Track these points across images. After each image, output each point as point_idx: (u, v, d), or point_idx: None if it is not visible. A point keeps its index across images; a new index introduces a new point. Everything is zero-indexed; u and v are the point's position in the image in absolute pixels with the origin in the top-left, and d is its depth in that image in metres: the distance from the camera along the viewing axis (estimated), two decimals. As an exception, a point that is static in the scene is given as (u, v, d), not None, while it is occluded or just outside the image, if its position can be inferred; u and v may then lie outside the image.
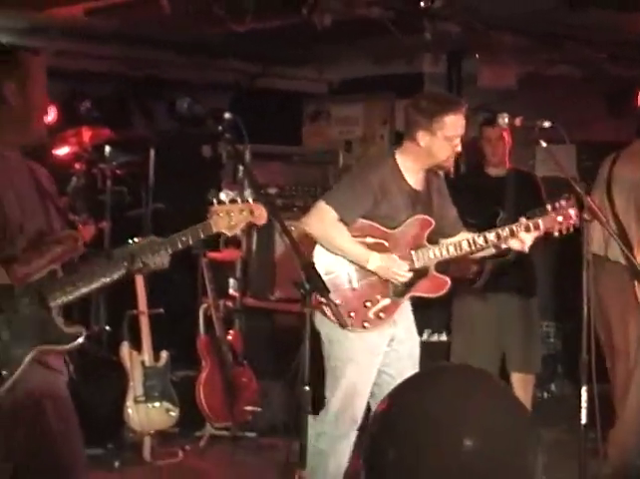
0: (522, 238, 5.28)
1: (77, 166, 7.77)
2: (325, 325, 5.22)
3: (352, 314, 5.14)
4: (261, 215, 4.09)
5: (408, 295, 5.34)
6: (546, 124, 5.05)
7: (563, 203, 5.37)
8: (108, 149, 8.14)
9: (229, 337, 7.58)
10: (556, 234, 5.43)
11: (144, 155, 8.63)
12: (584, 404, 4.88)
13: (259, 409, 7.57)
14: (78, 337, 3.84)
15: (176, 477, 6.81)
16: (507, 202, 7.45)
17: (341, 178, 5.69)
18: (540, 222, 5.34)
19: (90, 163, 7.93)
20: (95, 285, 3.87)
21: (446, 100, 5.38)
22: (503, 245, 5.35)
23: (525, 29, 8.09)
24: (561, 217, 5.34)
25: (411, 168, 5.29)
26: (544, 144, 5.08)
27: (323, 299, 3.94)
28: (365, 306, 5.19)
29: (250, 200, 4.06)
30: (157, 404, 7.00)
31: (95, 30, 8.20)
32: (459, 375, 1.93)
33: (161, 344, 7.25)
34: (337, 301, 5.04)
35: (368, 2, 6.93)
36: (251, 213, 4.03)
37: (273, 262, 7.96)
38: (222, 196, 4.05)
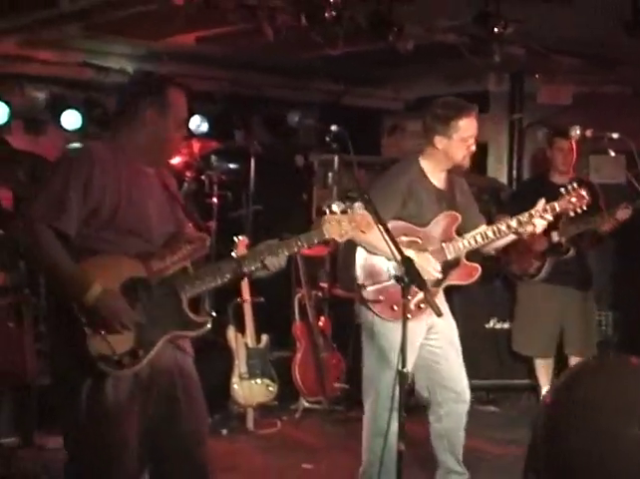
0: (536, 223, 5.11)
1: (188, 173, 7.80)
2: (367, 316, 5.15)
3: (395, 308, 4.98)
4: (369, 224, 4.08)
5: (443, 285, 5.19)
6: (615, 135, 4.96)
7: (575, 185, 5.24)
8: (214, 158, 8.18)
9: (320, 323, 7.58)
10: (572, 214, 5.29)
11: (245, 163, 8.64)
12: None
13: (347, 386, 7.56)
14: (205, 325, 3.90)
15: (276, 444, 6.80)
16: (570, 207, 7.37)
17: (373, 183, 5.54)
18: (556, 204, 5.18)
19: (199, 170, 7.97)
20: (220, 281, 3.90)
21: (458, 105, 5.17)
22: (521, 229, 5.14)
23: (582, 52, 7.98)
24: (575, 198, 5.20)
25: (433, 170, 5.14)
26: (613, 153, 4.99)
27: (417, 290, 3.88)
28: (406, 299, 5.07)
29: (359, 211, 4.05)
30: (258, 381, 7.05)
31: (203, 55, 8.24)
32: (621, 366, 1.87)
33: (261, 328, 7.27)
34: (380, 297, 5.04)
35: (445, 29, 6.86)
36: (360, 222, 4.04)
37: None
38: (334, 207, 4.06)
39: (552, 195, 7.19)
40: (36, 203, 3.61)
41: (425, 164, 5.16)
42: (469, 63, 8.19)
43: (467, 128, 5.05)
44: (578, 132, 5.38)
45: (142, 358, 3.69)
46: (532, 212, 5.11)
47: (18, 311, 5.96)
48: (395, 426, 5.10)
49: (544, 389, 7.71)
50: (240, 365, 6.99)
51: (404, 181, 5.07)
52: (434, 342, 5.18)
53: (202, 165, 8.03)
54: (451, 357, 5.20)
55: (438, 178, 5.18)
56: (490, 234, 5.12)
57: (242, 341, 7.05)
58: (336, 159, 8.23)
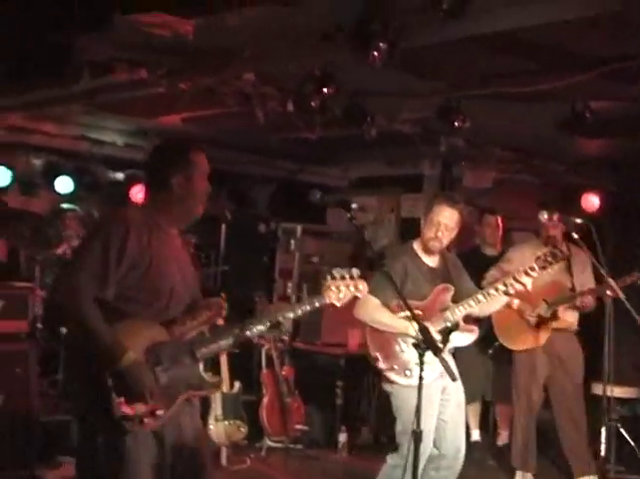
0: (524, 281, 4.90)
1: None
2: (386, 384, 4.98)
3: (407, 373, 4.84)
4: (364, 289, 3.85)
5: (447, 348, 4.97)
6: (578, 220, 4.80)
7: (546, 250, 5.09)
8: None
9: (284, 372, 7.28)
10: (550, 270, 5.11)
11: (216, 229, 8.38)
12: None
13: (306, 428, 7.29)
14: (218, 385, 3.74)
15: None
16: (501, 275, 7.25)
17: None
18: (535, 264, 4.96)
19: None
20: (235, 342, 3.64)
21: (439, 195, 5.12)
22: (511, 290, 4.93)
23: (513, 145, 7.94)
24: (550, 257, 4.97)
25: (423, 250, 5.01)
26: (575, 235, 4.81)
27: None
28: (416, 364, 4.84)
29: (356, 276, 3.80)
30: (231, 422, 6.72)
31: (183, 134, 7.96)
32: None
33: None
34: (395, 366, 4.88)
35: (404, 120, 6.72)
36: (356, 287, 3.80)
37: (320, 314, 7.64)
38: (335, 273, 3.78)
39: (484, 265, 7.13)
40: (80, 273, 3.33)
41: (417, 245, 5.03)
42: (408, 149, 8.11)
43: (437, 213, 4.91)
44: (546, 216, 5.20)
45: (161, 417, 3.43)
46: (516, 274, 4.90)
47: (25, 357, 5.59)
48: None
49: (473, 431, 7.54)
50: (216, 409, 6.65)
51: (399, 263, 4.91)
52: (445, 403, 4.98)
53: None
54: (456, 417, 5.00)
55: (430, 257, 5.03)
56: (482, 297, 4.94)
57: (218, 387, 6.70)
58: (299, 228, 8.03)
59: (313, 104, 5.54)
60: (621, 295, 5.07)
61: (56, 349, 7.06)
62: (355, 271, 3.81)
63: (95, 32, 4.03)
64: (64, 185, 8.27)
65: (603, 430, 4.60)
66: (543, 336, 6.24)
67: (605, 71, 4.97)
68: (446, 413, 4.98)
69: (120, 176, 8.63)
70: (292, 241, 8.35)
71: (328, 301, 3.78)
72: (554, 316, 6.20)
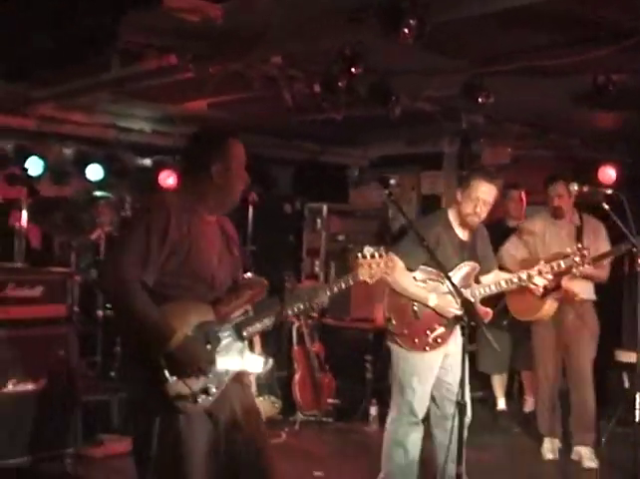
0: (547, 277, 4.93)
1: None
2: (392, 346, 4.97)
3: (416, 341, 4.81)
4: (394, 266, 3.86)
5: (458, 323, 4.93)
6: (608, 191, 4.73)
7: (580, 246, 5.07)
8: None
9: (314, 348, 7.27)
10: (575, 271, 5.10)
11: (243, 210, 8.33)
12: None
13: (338, 401, 7.31)
14: (264, 363, 3.63)
15: (284, 453, 6.42)
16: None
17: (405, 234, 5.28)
18: (562, 262, 4.97)
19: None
20: (277, 321, 3.63)
21: (481, 170, 5.00)
22: (529, 283, 4.95)
23: (532, 121, 7.85)
24: (578, 258, 5.00)
25: (459, 221, 4.92)
26: (606, 206, 4.73)
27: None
28: (426, 334, 4.81)
29: (385, 254, 3.77)
30: (266, 398, 6.77)
31: (209, 118, 7.92)
32: None
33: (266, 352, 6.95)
34: (405, 331, 4.85)
35: (426, 98, 6.65)
36: (386, 265, 3.77)
37: (349, 290, 7.61)
38: (366, 252, 3.76)
39: (508, 236, 7.06)
40: (124, 258, 3.28)
41: (452, 214, 4.94)
42: (427, 128, 8.03)
43: (475, 188, 4.80)
44: (576, 187, 5.13)
45: (213, 395, 3.40)
46: (542, 267, 4.89)
47: (64, 340, 5.59)
48: (414, 437, 4.86)
49: (500, 400, 7.52)
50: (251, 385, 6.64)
51: (432, 233, 4.79)
52: (446, 365, 4.91)
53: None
54: (457, 374, 4.89)
55: (462, 230, 4.95)
56: (504, 283, 4.93)
57: (252, 364, 6.70)
58: (325, 207, 7.99)
59: (340, 84, 5.49)
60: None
61: (93, 332, 7.10)
62: (383, 250, 3.80)
63: (143, 10, 3.96)
64: (94, 172, 8.28)
65: (638, 396, 4.52)
66: (551, 307, 6.16)
67: (626, 44, 4.89)
68: (447, 372, 4.91)
69: (147, 162, 8.62)
70: (318, 221, 8.34)
71: (361, 279, 3.79)
72: (558, 287, 6.12)
